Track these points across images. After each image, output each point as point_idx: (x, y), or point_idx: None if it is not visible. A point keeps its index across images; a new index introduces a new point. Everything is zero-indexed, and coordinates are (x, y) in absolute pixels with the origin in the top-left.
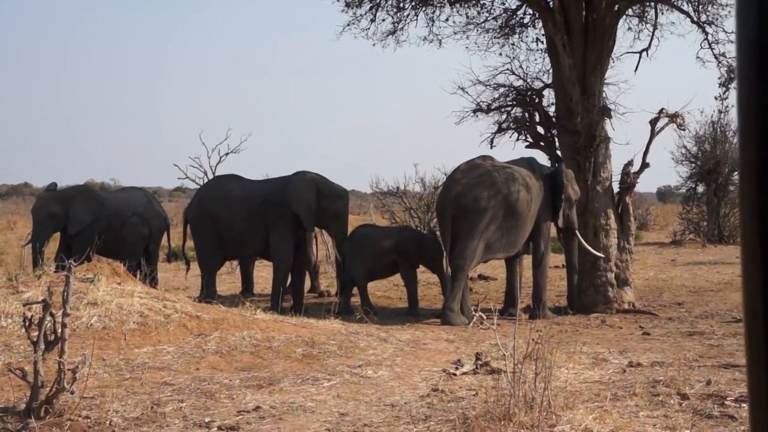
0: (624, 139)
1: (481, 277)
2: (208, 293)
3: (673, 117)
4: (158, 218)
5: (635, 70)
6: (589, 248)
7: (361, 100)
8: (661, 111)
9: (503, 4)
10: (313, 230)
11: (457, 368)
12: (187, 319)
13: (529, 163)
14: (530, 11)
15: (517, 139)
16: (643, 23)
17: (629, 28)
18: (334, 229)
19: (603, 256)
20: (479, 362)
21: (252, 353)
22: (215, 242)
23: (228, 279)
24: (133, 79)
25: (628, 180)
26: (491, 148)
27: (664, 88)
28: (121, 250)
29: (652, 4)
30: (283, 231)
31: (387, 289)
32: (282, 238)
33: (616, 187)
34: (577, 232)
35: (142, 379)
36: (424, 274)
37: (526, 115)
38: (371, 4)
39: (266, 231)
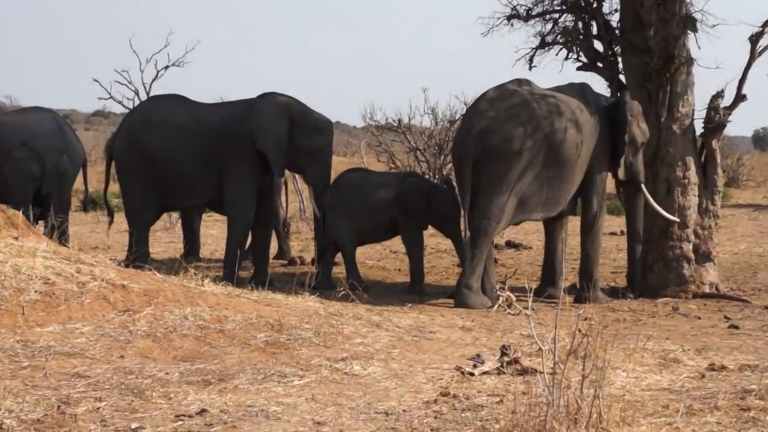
0: (713, 62)
1: (510, 244)
2: (138, 255)
3: None
4: (59, 152)
5: None
6: (660, 209)
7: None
8: (765, 24)
9: None
10: (284, 175)
11: (475, 366)
12: (109, 290)
13: (580, 91)
14: None
15: (566, 58)
16: None
17: None
18: (311, 173)
19: (678, 220)
20: (506, 359)
21: (197, 338)
22: (149, 187)
23: (165, 237)
24: None
25: (717, 118)
26: (530, 69)
27: None
28: (5, 194)
29: None
30: (242, 174)
31: (382, 257)
32: (241, 185)
33: (699, 128)
34: (643, 186)
35: (45, 368)
36: (433, 238)
37: (580, 25)
38: None
39: (219, 174)
